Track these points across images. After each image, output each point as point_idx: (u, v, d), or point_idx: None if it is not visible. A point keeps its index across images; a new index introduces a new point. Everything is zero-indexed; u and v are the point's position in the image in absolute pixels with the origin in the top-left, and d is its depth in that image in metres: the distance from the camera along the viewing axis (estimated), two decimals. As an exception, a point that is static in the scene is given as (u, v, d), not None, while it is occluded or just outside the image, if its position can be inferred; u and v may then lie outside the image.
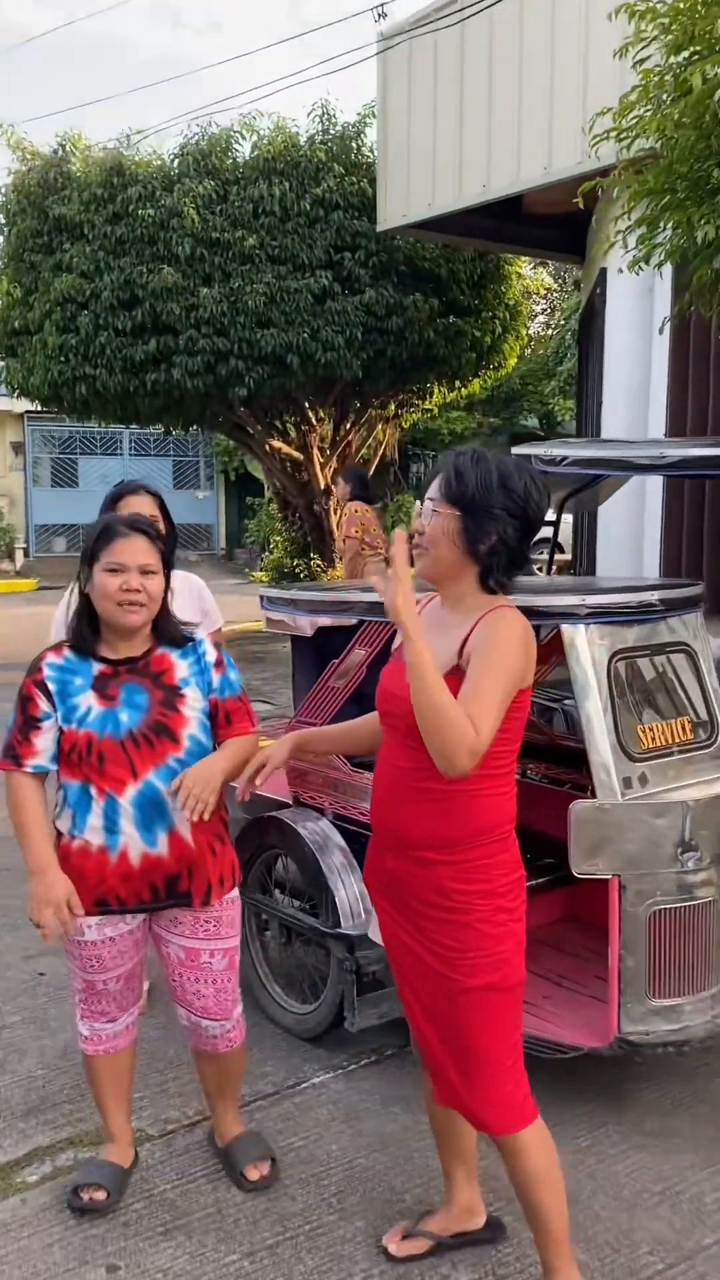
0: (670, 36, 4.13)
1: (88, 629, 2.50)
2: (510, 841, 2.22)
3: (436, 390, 11.62)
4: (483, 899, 2.16)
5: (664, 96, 4.18)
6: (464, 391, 12.18)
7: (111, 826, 2.46)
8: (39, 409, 13.23)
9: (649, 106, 4.21)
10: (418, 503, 2.22)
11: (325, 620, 3.55)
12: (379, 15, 7.42)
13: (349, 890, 3.31)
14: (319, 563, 11.68)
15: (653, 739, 3.00)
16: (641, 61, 4.26)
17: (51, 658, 2.51)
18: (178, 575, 3.50)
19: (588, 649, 2.92)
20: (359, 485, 7.82)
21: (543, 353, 20.55)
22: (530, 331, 12.48)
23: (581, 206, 4.64)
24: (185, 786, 2.39)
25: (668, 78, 4.14)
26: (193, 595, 3.47)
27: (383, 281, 9.85)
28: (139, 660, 2.51)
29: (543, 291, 17.26)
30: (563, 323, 20.85)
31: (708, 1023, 2.94)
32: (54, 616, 3.39)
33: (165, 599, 2.54)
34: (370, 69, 8.67)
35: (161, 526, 3.33)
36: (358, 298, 9.71)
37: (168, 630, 2.55)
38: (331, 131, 10.06)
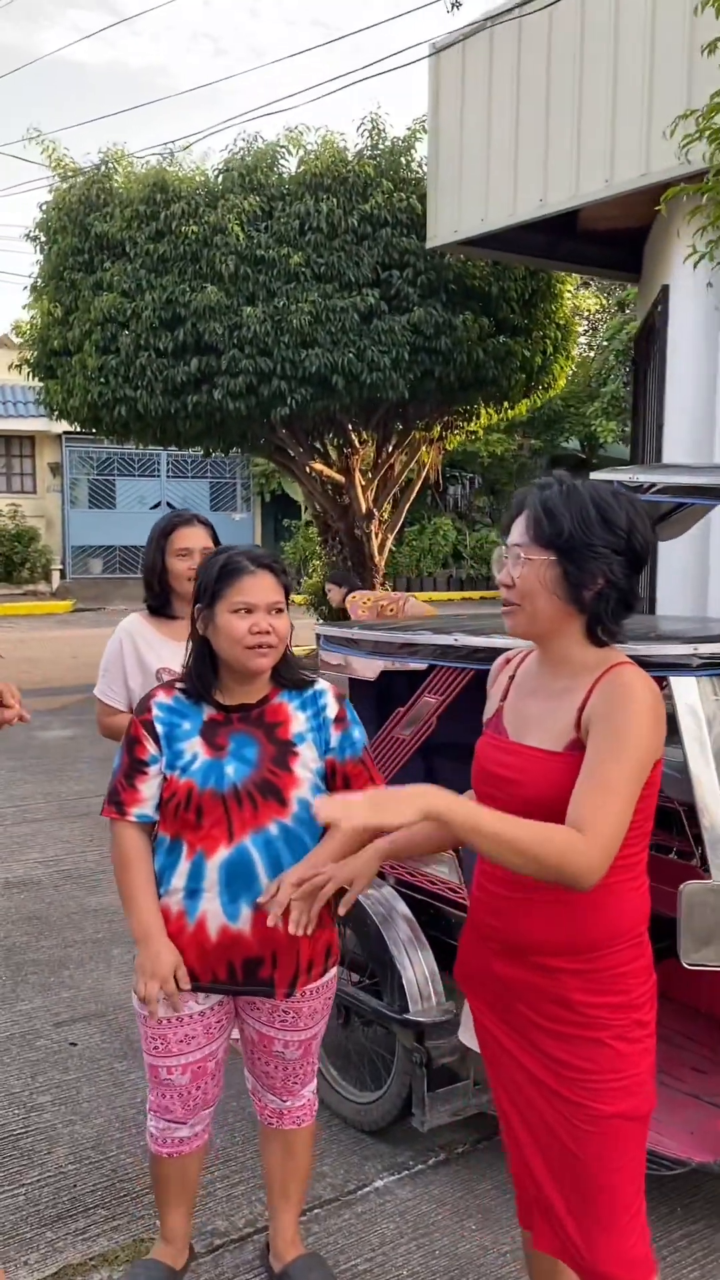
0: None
1: (207, 672, 2.23)
2: (646, 945, 1.87)
3: (483, 412, 11.29)
4: (618, 1012, 1.81)
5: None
6: (510, 413, 11.83)
7: (194, 891, 2.18)
8: (77, 430, 13.05)
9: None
10: (497, 550, 1.89)
11: (390, 663, 3.21)
12: (452, 4, 7.09)
13: (417, 969, 2.96)
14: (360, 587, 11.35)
15: (772, 808, 2.62)
16: (732, 57, 3.94)
17: (161, 697, 2.26)
18: None
19: (701, 705, 2.56)
20: (349, 581, 7.93)
21: (586, 375, 20.19)
22: (575, 353, 12.07)
23: (665, 214, 4.31)
24: (279, 900, 2.10)
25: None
26: None
27: (431, 300, 9.55)
28: (254, 708, 2.23)
29: (593, 311, 16.92)
30: (605, 343, 20.51)
31: None
32: (104, 658, 3.10)
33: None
34: (412, 78, 8.41)
35: None
36: (405, 317, 9.41)
37: (288, 674, 2.27)
38: (380, 146, 9.80)
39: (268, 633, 2.15)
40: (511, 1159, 1.99)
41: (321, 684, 2.31)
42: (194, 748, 2.19)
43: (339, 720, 2.28)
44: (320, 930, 2.26)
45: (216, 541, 3.02)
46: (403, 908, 3.06)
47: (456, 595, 20.58)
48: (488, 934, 1.91)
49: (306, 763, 2.23)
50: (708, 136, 3.82)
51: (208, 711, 2.23)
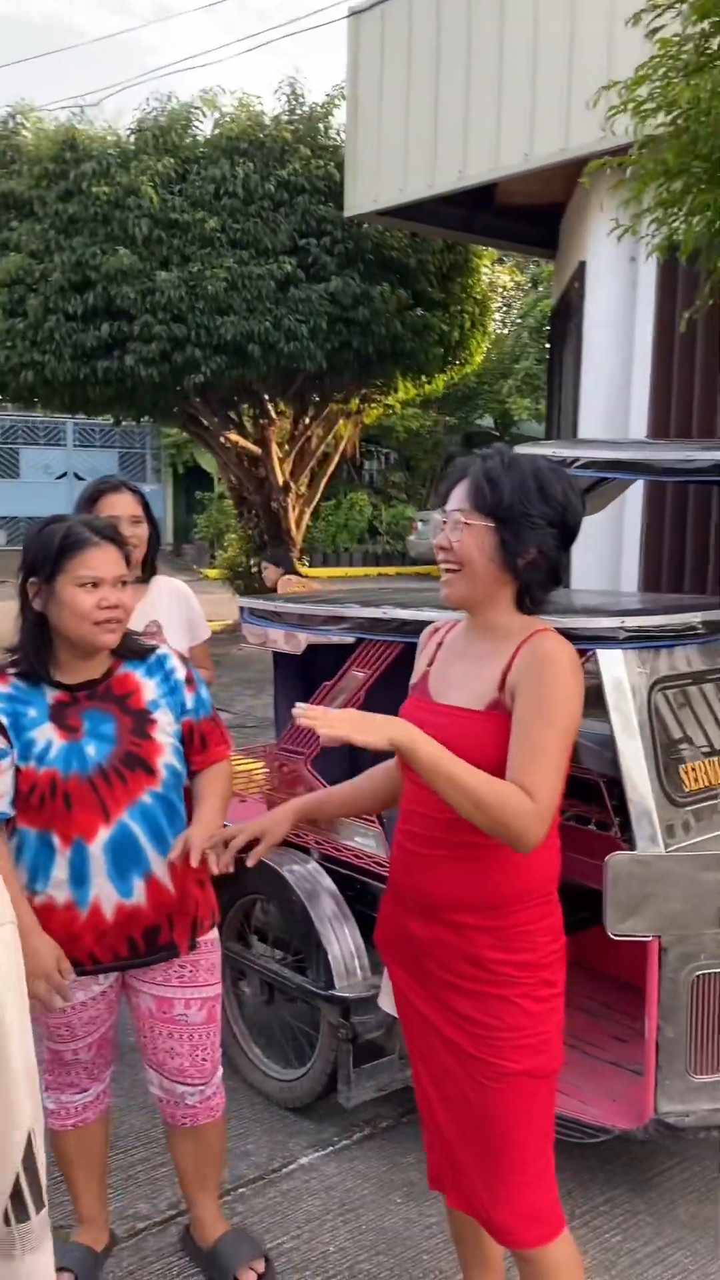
0: (689, 2, 3.79)
1: (45, 650, 2.13)
2: (555, 904, 1.92)
3: (401, 385, 11.26)
4: (526, 970, 1.85)
5: (680, 68, 3.85)
6: (428, 388, 11.82)
7: (80, 878, 2.10)
8: (-19, 396, 12.61)
9: (664, 79, 3.88)
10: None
11: (316, 637, 3.16)
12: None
13: (343, 945, 2.93)
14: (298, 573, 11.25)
15: (696, 780, 2.66)
16: (656, 30, 3.93)
17: None
18: (163, 581, 3.10)
19: (627, 678, 2.57)
20: (287, 563, 7.69)
21: (500, 351, 20.29)
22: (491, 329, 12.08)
23: (587, 186, 4.31)
24: (196, 851, 2.06)
25: (687, 47, 3.80)
26: (179, 603, 3.06)
27: (349, 270, 9.46)
28: (100, 683, 2.15)
29: (510, 286, 16.96)
30: (520, 320, 20.63)
31: (754, 1101, 2.61)
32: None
33: None
34: (326, 44, 8.27)
35: (144, 530, 2.93)
36: (323, 286, 9.30)
37: (129, 645, 2.21)
38: (298, 111, 9.63)
39: (117, 607, 2.08)
40: (424, 1121, 2.02)
41: (163, 649, 2.27)
42: (46, 734, 2.09)
43: (189, 681, 2.25)
44: (204, 891, 2.28)
45: (146, 508, 2.92)
46: (328, 883, 3.02)
47: (373, 571, 20.57)
48: (404, 893, 1.94)
49: (165, 728, 2.19)
50: (631, 109, 3.81)
51: (51, 694, 2.12)
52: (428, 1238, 2.56)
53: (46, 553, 2.07)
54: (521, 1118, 1.86)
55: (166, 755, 2.17)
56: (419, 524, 17.68)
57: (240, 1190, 2.73)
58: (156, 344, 9.15)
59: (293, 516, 11.27)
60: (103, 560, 2.07)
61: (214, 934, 2.33)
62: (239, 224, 9.19)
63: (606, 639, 2.56)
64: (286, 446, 11.34)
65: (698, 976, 2.54)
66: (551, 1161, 1.91)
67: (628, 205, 4.03)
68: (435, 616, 2.75)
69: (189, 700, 2.23)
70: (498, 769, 1.73)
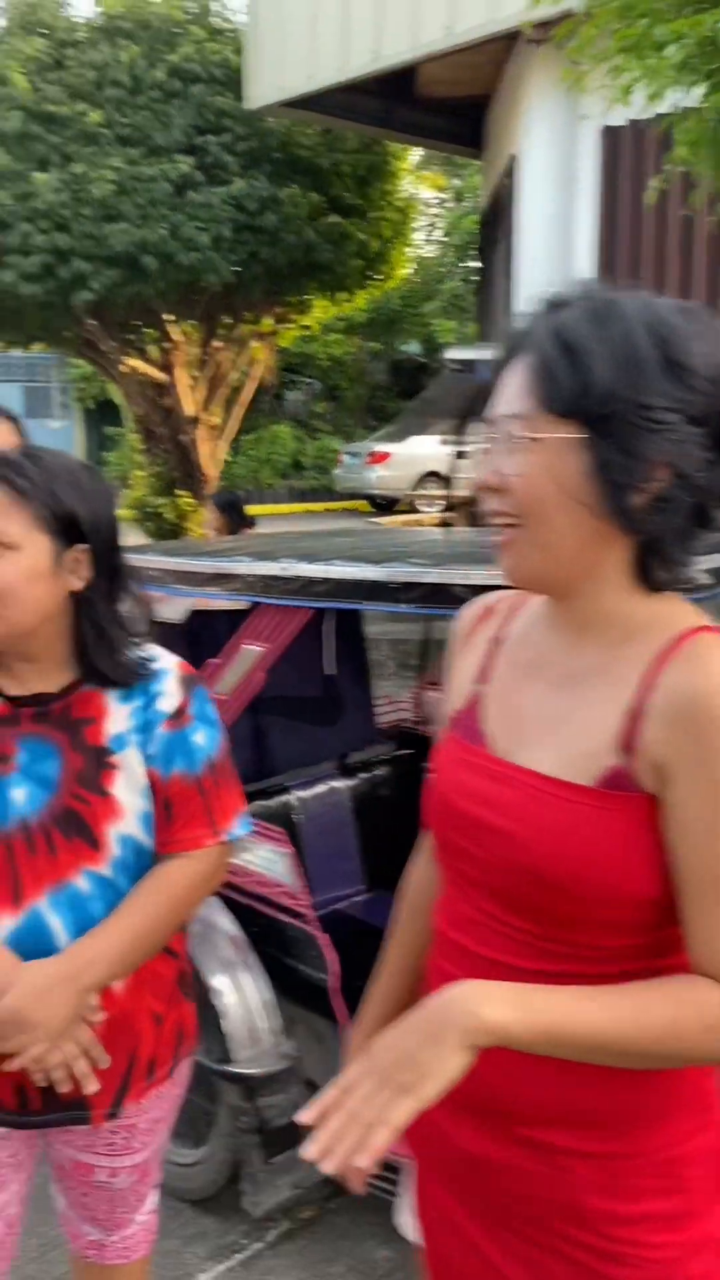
0: None
1: None
2: (715, 1107, 1.11)
3: (318, 303, 10.33)
4: (663, 1230, 1.05)
5: None
6: (349, 306, 10.91)
7: None
8: None
9: None
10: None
11: (201, 601, 2.42)
12: None
13: (245, 1003, 2.25)
14: (189, 501, 10.35)
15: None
16: None
17: None
18: None
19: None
20: (236, 514, 5.71)
21: (425, 273, 19.34)
22: (410, 251, 11.06)
23: (528, 32, 3.53)
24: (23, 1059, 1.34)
25: None
26: None
27: (254, 171, 8.48)
28: (55, 699, 1.45)
29: (437, 189, 15.90)
30: (444, 239, 19.68)
31: None
32: None
33: (97, 604, 1.43)
34: None
35: None
36: (225, 189, 8.32)
37: (101, 658, 1.44)
38: (189, -14, 8.55)
39: None
40: None
41: (166, 660, 1.50)
42: None
43: (177, 715, 1.47)
44: (172, 1011, 1.53)
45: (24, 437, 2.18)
46: (226, 923, 2.33)
47: (299, 508, 19.64)
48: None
49: (132, 780, 1.44)
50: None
51: None
52: None
53: None
54: None
55: (125, 822, 1.44)
56: (345, 456, 16.80)
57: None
58: (37, 256, 8.11)
59: (204, 451, 10.35)
60: None
61: (183, 1067, 1.59)
62: (126, 118, 8.14)
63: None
64: (195, 374, 10.38)
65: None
66: None
67: (580, 52, 3.27)
68: (352, 573, 2.03)
69: (159, 742, 1.46)
70: (630, 901, 0.99)
